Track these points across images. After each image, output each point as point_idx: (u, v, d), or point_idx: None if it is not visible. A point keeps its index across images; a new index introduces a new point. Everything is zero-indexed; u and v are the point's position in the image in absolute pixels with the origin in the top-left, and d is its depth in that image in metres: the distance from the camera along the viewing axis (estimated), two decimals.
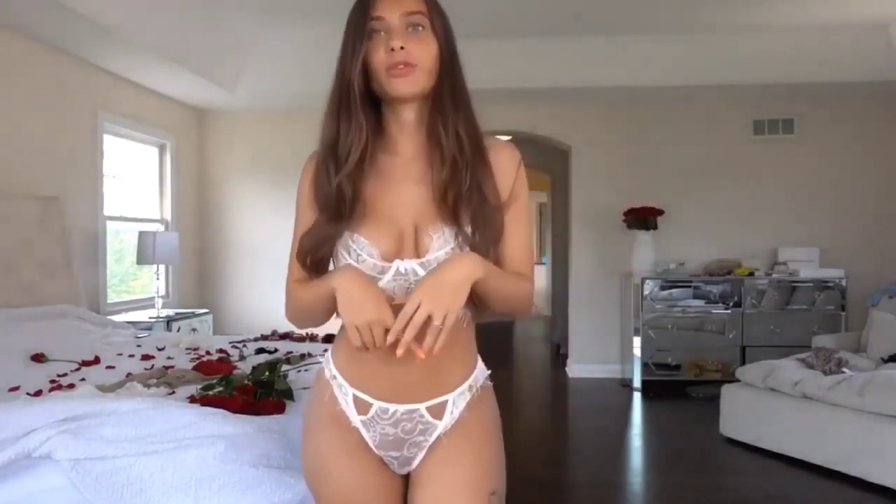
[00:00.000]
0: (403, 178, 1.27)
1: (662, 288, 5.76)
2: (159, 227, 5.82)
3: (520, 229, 1.29)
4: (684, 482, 3.67)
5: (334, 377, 1.28)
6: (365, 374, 1.25)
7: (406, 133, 1.28)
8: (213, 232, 6.50)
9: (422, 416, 1.24)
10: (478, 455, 1.26)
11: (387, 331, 1.12)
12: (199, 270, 6.45)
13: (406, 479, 1.32)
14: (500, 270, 1.24)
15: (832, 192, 6.07)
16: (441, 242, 1.22)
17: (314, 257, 1.27)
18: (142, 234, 5.03)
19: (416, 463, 1.28)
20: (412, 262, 1.22)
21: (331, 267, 1.30)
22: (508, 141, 1.30)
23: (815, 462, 3.75)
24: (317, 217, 1.26)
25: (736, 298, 5.67)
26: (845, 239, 6.00)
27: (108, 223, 5.02)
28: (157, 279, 5.32)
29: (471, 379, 1.29)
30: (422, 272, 1.21)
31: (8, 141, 4.04)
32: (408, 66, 1.20)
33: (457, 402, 1.26)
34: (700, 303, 5.74)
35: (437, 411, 1.25)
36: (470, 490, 1.23)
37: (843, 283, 5.59)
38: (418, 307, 1.10)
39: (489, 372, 1.34)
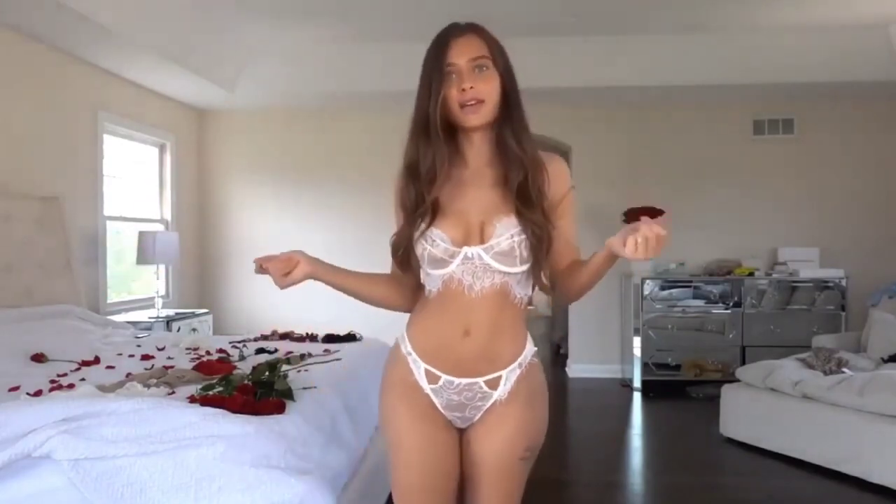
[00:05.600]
0: (472, 184, 1.55)
1: (662, 288, 5.76)
2: (159, 227, 5.82)
3: (573, 224, 1.61)
4: (684, 482, 3.67)
5: (409, 353, 1.56)
6: (435, 352, 1.53)
7: (475, 149, 1.57)
8: (213, 232, 6.50)
9: (480, 387, 1.53)
10: (520, 417, 1.54)
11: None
12: (199, 270, 6.45)
13: (460, 434, 1.59)
14: None
15: (832, 192, 6.07)
16: (502, 230, 1.48)
17: (399, 252, 1.57)
18: (142, 234, 5.03)
19: (475, 419, 1.56)
20: (477, 248, 1.48)
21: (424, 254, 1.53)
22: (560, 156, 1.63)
23: (815, 462, 3.75)
24: (402, 222, 1.55)
25: (736, 298, 5.67)
26: (845, 239, 6.00)
27: (108, 223, 5.02)
28: (157, 279, 5.32)
29: (521, 357, 1.56)
30: (485, 256, 1.48)
31: (8, 140, 4.04)
32: (477, 102, 1.49)
33: (509, 377, 1.54)
34: (700, 303, 5.74)
35: (493, 384, 1.53)
36: (508, 446, 1.53)
37: (843, 283, 5.59)
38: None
39: (536, 349, 1.60)
